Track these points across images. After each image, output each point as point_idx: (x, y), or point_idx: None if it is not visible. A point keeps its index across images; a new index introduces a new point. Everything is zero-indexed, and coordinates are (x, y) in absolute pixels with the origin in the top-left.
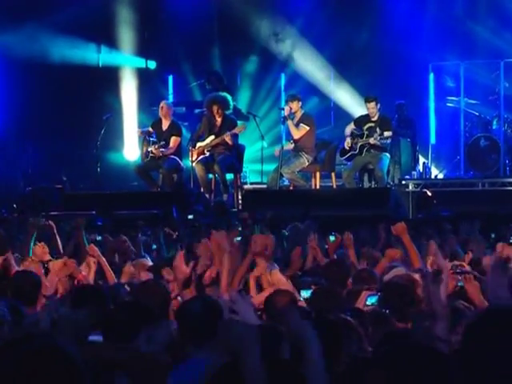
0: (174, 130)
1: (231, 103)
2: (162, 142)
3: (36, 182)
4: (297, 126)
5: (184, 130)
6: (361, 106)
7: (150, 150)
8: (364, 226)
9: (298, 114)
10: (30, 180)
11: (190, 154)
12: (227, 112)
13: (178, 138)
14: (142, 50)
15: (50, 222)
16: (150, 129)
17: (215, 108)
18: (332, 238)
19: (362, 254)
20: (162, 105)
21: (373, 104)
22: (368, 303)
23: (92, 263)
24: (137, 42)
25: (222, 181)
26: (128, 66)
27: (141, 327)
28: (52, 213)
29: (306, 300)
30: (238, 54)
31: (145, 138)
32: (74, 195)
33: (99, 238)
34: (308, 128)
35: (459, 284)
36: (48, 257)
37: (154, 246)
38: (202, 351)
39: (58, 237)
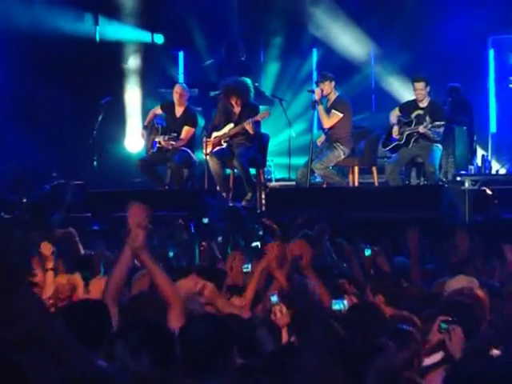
0: (189, 118)
1: (252, 89)
2: (174, 134)
3: (24, 174)
4: (328, 111)
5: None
6: (407, 89)
7: (157, 140)
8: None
9: (332, 97)
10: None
11: (204, 145)
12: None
13: (192, 129)
14: (148, 22)
15: (71, 229)
16: (159, 109)
17: (233, 99)
18: (368, 252)
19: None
20: (176, 88)
21: (421, 84)
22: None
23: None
24: (141, 12)
25: (244, 177)
26: (130, 40)
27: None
28: (75, 214)
29: (337, 313)
30: (261, 27)
31: (153, 126)
32: (98, 194)
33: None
34: (341, 115)
35: None
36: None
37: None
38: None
39: (80, 246)
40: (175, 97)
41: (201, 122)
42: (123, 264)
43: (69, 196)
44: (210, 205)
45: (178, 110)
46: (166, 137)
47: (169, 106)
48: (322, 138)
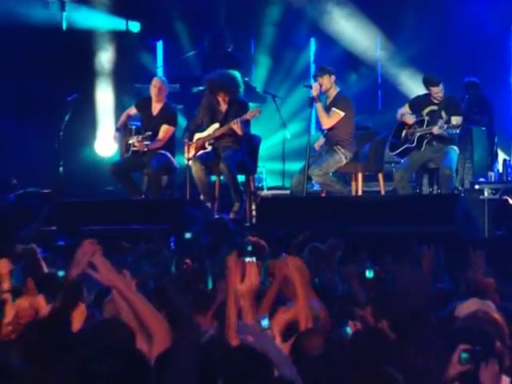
0: (168, 116)
1: (241, 84)
2: (149, 133)
3: None
4: (328, 110)
5: (178, 117)
6: (418, 83)
7: (130, 142)
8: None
9: (332, 94)
10: None
11: (186, 148)
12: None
13: (171, 128)
14: (122, 8)
15: (33, 244)
16: (134, 109)
17: (220, 95)
18: (370, 275)
19: None
20: (154, 82)
21: (438, 88)
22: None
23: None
24: None
25: (232, 185)
26: (102, 28)
27: None
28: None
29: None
30: (251, 13)
31: (126, 127)
32: (64, 204)
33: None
34: (342, 113)
35: None
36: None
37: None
38: None
39: (43, 263)
40: (153, 91)
41: (182, 121)
42: None
43: (46, 208)
44: (193, 216)
45: (155, 107)
46: (140, 136)
47: (145, 103)
48: (321, 140)
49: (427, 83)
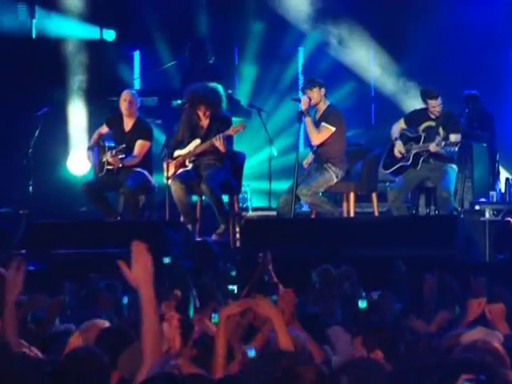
0: (141, 131)
1: (223, 98)
2: (122, 146)
3: None
4: (318, 125)
5: (156, 132)
6: (414, 97)
7: (104, 160)
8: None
9: (321, 108)
10: None
11: (165, 166)
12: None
13: (147, 143)
14: (96, 15)
15: (1, 269)
16: (105, 128)
17: (201, 109)
18: (363, 305)
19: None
20: (124, 96)
21: (436, 102)
22: None
23: None
24: (87, 3)
25: (214, 205)
26: (75, 36)
27: None
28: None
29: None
30: (235, 22)
31: (99, 144)
32: (40, 226)
33: None
34: (333, 129)
35: None
36: None
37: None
38: None
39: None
40: (123, 106)
41: (160, 137)
42: None
43: (21, 230)
44: (173, 239)
45: (128, 123)
46: (114, 151)
47: (116, 120)
48: (310, 157)
49: (425, 96)
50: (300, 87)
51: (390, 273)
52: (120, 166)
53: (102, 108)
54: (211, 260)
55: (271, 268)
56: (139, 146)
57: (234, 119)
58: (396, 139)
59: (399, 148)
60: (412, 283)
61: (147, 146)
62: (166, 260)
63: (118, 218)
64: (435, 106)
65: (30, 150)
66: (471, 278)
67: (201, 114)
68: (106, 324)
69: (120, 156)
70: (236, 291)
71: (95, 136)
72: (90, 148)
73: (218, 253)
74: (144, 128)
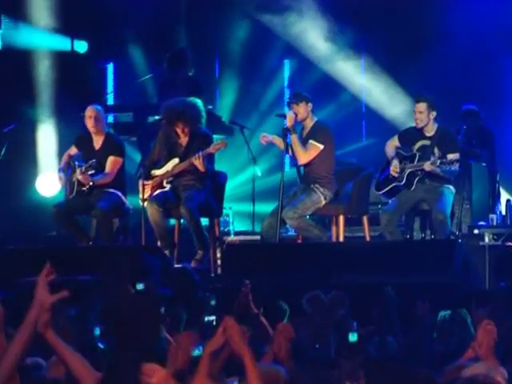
0: (112, 147)
1: (203, 113)
2: (92, 161)
3: None
4: (305, 143)
5: (131, 150)
6: (410, 114)
7: (75, 179)
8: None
9: (308, 124)
10: None
11: (141, 187)
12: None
13: (119, 159)
14: (67, 25)
15: None
16: (74, 149)
17: (179, 126)
18: (353, 338)
19: None
20: (88, 113)
21: (422, 106)
22: None
23: None
24: (58, 13)
25: (193, 229)
26: (44, 48)
27: None
28: None
29: None
30: (216, 32)
31: (70, 165)
32: (6, 252)
33: None
34: (321, 146)
35: None
36: None
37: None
38: None
39: None
40: (89, 123)
41: (136, 156)
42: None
43: None
44: (149, 266)
45: (97, 141)
46: (83, 167)
47: (84, 139)
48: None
49: (414, 98)
50: (285, 102)
51: (379, 301)
52: (91, 183)
53: (73, 124)
54: (191, 288)
55: (251, 298)
56: (111, 162)
57: (215, 137)
58: (393, 158)
59: (395, 167)
60: (403, 312)
61: (119, 163)
62: (140, 286)
63: (90, 244)
64: (418, 111)
65: None
66: (472, 305)
67: (179, 131)
68: None
69: (90, 172)
70: (215, 322)
71: (65, 157)
72: (61, 169)
73: (198, 281)
74: (115, 144)
